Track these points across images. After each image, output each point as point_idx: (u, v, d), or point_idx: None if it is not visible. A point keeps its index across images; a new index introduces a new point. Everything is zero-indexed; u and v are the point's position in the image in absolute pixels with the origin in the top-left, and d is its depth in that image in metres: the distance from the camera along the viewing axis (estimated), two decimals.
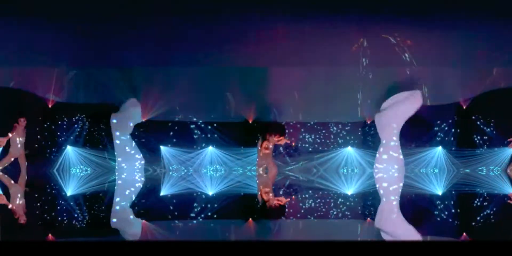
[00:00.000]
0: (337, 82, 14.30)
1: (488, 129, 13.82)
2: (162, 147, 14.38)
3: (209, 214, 7.94)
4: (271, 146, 13.94)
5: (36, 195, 10.22)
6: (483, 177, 12.70)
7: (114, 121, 13.87)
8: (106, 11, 12.26)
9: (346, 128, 14.54)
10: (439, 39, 13.35)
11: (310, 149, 14.54)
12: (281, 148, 14.30)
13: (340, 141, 14.55)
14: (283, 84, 14.20)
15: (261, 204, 8.77)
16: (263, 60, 13.79)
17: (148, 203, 9.12)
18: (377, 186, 11.90)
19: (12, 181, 12.28)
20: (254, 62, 13.95)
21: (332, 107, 14.38)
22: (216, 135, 14.35)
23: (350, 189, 11.19)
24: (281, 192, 10.23)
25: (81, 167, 14.06)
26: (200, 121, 14.41)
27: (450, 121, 14.03)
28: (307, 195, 9.96)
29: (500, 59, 13.51)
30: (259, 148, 13.97)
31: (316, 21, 12.74)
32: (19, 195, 10.24)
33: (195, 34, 13.00)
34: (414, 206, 8.98)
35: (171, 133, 14.41)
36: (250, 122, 14.32)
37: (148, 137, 14.36)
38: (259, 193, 9.94)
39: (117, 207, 8.53)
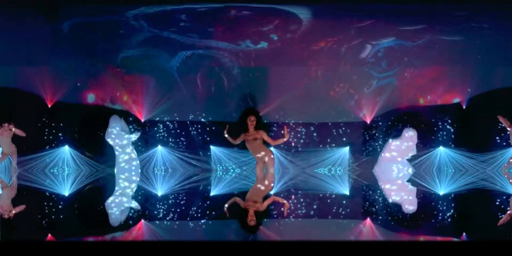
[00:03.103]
0: (337, 82, 14.28)
1: (487, 129, 13.80)
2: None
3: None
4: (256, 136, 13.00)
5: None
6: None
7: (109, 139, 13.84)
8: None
9: (345, 128, 14.50)
10: (439, 39, 13.35)
11: (305, 149, 14.46)
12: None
13: (338, 141, 14.50)
14: (283, 84, 14.16)
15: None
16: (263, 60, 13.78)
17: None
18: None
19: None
20: (254, 62, 13.94)
21: (332, 107, 14.33)
22: (216, 135, 14.28)
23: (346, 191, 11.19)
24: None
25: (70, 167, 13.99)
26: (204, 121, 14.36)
27: (450, 121, 14.02)
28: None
29: (500, 58, 13.51)
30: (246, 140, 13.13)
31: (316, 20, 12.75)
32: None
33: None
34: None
35: (171, 133, 14.39)
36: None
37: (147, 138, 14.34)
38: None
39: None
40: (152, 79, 14.14)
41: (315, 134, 14.42)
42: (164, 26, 13.09)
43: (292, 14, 12.76)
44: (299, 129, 14.41)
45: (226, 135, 12.85)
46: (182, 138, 14.36)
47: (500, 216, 7.63)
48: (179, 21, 12.86)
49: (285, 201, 9.27)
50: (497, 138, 13.71)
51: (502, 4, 11.82)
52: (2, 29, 12.81)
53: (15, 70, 13.74)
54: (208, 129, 14.27)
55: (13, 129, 13.38)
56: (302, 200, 9.56)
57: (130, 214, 7.95)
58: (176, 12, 12.65)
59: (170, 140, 14.32)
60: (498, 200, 9.39)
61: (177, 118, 14.36)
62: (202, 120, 14.31)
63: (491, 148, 13.72)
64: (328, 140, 14.42)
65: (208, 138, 14.29)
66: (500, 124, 13.50)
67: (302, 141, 14.41)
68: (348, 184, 12.28)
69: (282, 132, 12.89)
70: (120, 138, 13.74)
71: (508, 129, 13.36)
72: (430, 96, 14.24)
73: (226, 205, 8.81)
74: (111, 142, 13.73)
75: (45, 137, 13.86)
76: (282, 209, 8.54)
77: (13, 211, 8.01)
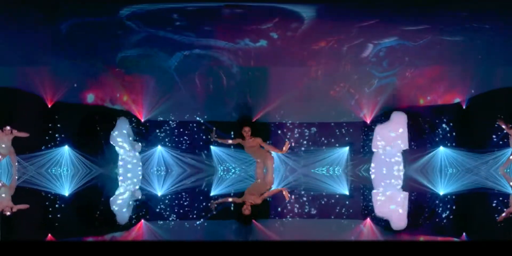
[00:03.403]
0: (338, 82, 14.27)
1: (487, 129, 13.80)
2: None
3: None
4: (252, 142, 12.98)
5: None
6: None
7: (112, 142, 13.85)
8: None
9: (346, 128, 14.49)
10: (440, 39, 13.36)
11: (305, 149, 14.45)
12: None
13: (339, 141, 14.48)
14: (283, 84, 14.15)
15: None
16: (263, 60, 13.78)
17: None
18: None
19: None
20: (253, 61, 13.93)
21: (332, 107, 14.33)
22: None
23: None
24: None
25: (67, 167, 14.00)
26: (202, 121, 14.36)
27: (450, 121, 14.02)
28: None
29: (500, 58, 13.53)
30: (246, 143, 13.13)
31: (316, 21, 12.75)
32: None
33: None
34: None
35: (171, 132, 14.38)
36: (253, 121, 14.23)
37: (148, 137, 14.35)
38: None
39: None
40: (152, 79, 14.14)
41: (315, 134, 14.42)
42: (161, 25, 13.11)
43: (293, 12, 12.75)
44: (298, 129, 14.41)
45: (214, 139, 12.95)
46: (182, 138, 14.36)
47: (499, 216, 7.63)
48: (176, 20, 12.87)
49: (282, 189, 9.30)
50: (494, 136, 13.73)
51: (502, 3, 11.83)
52: (2, 29, 12.81)
53: (15, 70, 13.75)
54: (204, 127, 14.28)
55: (14, 132, 13.37)
56: (301, 200, 9.56)
57: (130, 214, 7.96)
58: (174, 11, 12.66)
59: (170, 140, 14.32)
60: (498, 200, 9.38)
61: (176, 118, 14.36)
62: (198, 119, 14.32)
63: (491, 148, 13.73)
64: (326, 141, 14.42)
65: (204, 138, 14.30)
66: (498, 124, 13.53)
67: (302, 141, 14.41)
68: (346, 184, 12.28)
69: (279, 131, 12.89)
70: (126, 141, 13.77)
71: (508, 131, 13.36)
72: (430, 96, 14.24)
73: (217, 201, 8.85)
74: (117, 146, 13.76)
75: (45, 137, 13.87)
76: (283, 193, 8.55)
77: (13, 211, 8.01)
